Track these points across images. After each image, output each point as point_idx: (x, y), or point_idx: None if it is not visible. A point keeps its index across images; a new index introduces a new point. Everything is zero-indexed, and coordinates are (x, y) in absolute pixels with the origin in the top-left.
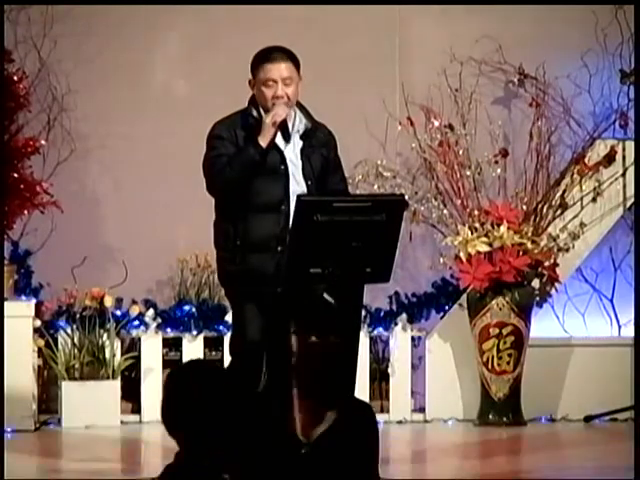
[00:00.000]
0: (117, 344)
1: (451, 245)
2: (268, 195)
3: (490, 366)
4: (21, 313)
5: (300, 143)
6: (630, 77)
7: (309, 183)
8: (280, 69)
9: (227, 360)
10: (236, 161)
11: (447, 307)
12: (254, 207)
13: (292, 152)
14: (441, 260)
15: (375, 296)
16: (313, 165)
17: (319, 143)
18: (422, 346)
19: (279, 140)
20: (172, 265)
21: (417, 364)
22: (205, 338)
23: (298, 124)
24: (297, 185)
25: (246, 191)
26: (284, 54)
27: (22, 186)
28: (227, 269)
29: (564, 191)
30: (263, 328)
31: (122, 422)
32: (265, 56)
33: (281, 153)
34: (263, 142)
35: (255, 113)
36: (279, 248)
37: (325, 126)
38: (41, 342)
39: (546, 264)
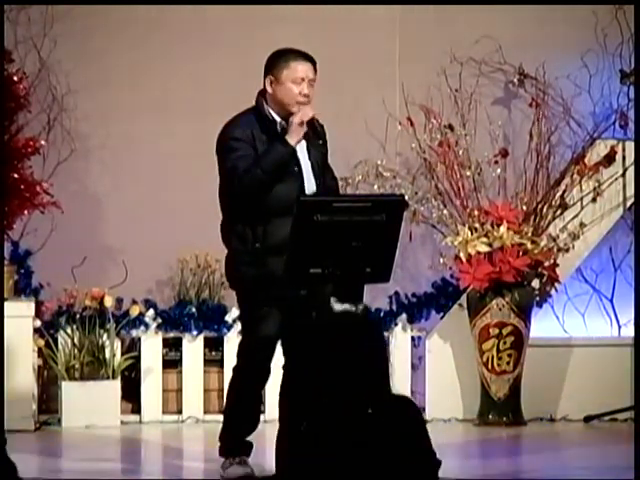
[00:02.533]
0: (117, 344)
1: (451, 245)
2: (285, 197)
3: (490, 366)
4: (21, 313)
5: (304, 142)
6: (630, 77)
7: (318, 182)
8: (308, 69)
9: (228, 361)
10: (266, 160)
11: (447, 307)
12: (272, 210)
13: (301, 152)
14: (441, 260)
15: (375, 296)
16: (319, 163)
17: (320, 141)
18: (422, 346)
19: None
20: (172, 265)
21: (417, 364)
22: (205, 338)
23: None
24: (311, 185)
25: (265, 193)
26: (309, 56)
27: (22, 186)
28: (245, 272)
29: (564, 191)
30: (277, 327)
31: (122, 422)
32: (293, 55)
33: (294, 153)
34: (292, 141)
35: (268, 113)
36: None
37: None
38: (41, 342)
39: (546, 264)
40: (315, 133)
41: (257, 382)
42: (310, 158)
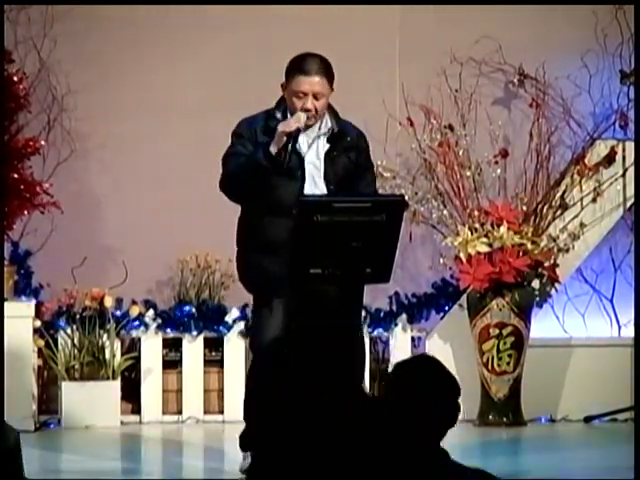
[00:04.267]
0: (117, 344)
1: (451, 246)
2: (280, 198)
3: (490, 366)
4: (21, 313)
5: (327, 146)
6: (630, 77)
7: (331, 187)
8: (313, 83)
9: (228, 361)
10: (245, 163)
11: (447, 307)
12: (267, 210)
13: (314, 156)
14: (441, 260)
15: (375, 296)
16: (336, 168)
17: (347, 146)
18: (422, 346)
19: (303, 143)
20: (172, 265)
21: None
22: (205, 338)
23: (324, 127)
24: (316, 189)
25: (262, 193)
26: (320, 68)
27: (22, 186)
28: (242, 268)
29: (564, 191)
30: (276, 325)
31: (122, 422)
32: (301, 67)
33: (300, 157)
34: (273, 149)
35: (279, 115)
36: (285, 252)
37: (356, 129)
38: (41, 342)
39: (546, 264)
40: (340, 138)
41: (266, 377)
42: (326, 161)
